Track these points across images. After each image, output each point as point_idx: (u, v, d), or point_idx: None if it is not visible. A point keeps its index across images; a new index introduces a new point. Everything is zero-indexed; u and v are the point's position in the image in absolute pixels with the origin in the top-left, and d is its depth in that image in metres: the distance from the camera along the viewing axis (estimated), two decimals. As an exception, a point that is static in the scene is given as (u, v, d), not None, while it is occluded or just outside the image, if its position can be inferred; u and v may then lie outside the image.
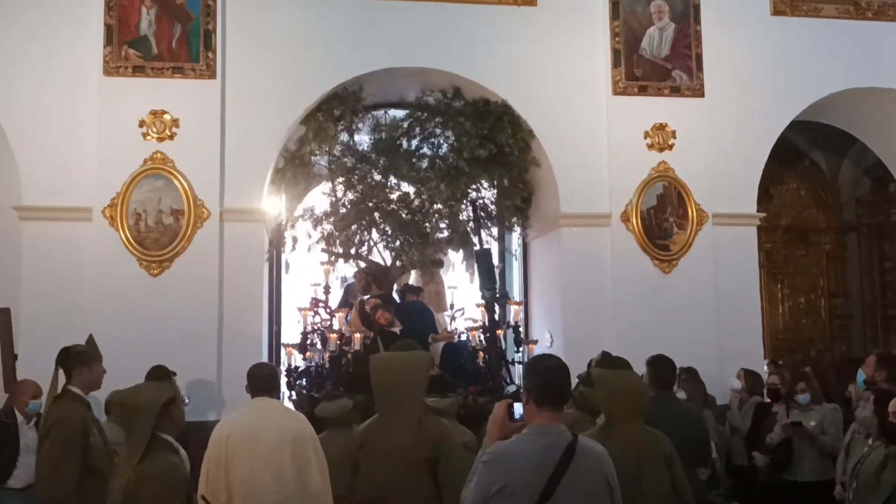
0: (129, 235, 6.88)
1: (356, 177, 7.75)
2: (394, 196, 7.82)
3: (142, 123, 7.01)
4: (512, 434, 2.98)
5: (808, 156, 10.08)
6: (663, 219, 7.74)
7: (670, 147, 7.80)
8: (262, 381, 4.33)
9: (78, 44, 7.06)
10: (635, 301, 7.58)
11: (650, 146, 7.79)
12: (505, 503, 2.81)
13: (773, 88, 8.11)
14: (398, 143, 7.94)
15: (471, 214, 8.02)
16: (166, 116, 7.04)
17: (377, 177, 7.82)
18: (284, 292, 8.49)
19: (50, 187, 6.94)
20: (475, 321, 8.11)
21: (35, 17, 7.05)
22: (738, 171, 8.03)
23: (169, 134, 7.03)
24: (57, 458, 3.87)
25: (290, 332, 8.37)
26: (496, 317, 7.66)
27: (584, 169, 7.78)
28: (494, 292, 7.63)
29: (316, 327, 7.97)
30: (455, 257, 9.06)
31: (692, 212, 7.76)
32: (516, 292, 9.25)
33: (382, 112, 8.78)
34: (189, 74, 7.11)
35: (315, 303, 8.08)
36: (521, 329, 8.12)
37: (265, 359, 7.47)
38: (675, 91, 7.86)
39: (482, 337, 7.69)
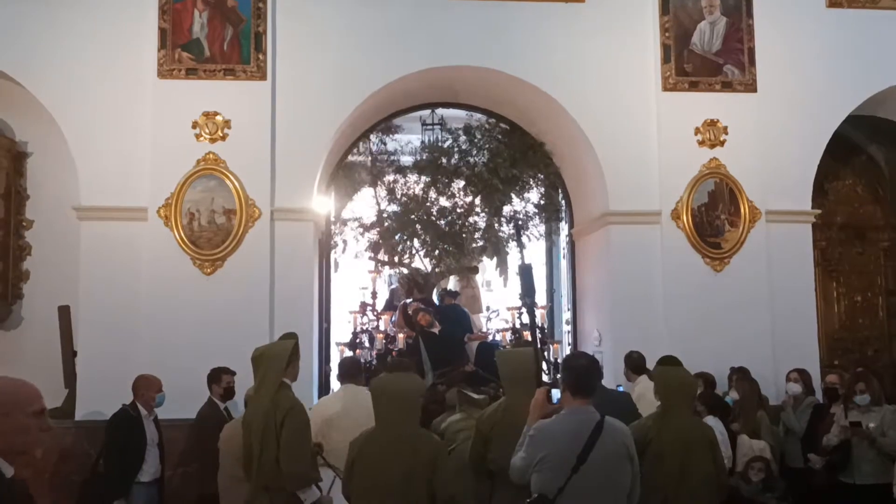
0: (182, 235, 7.02)
1: (399, 192, 8.54)
2: (434, 209, 8.47)
3: (195, 125, 7.14)
4: (551, 414, 3.60)
5: (865, 150, 9.79)
6: (715, 216, 7.63)
7: (722, 143, 7.68)
8: (346, 369, 5.47)
9: (133, 48, 7.22)
10: (686, 300, 7.50)
11: (701, 142, 7.68)
12: (547, 467, 3.41)
13: (829, 82, 7.93)
14: (439, 162, 8.38)
15: (505, 225, 8.80)
16: (218, 118, 7.16)
17: (418, 191, 8.43)
18: (333, 291, 8.64)
19: (107, 188, 7.12)
20: (507, 322, 8.71)
21: (91, 23, 7.22)
22: (792, 167, 7.87)
23: (221, 135, 7.15)
24: (300, 440, 4.27)
25: (339, 330, 8.67)
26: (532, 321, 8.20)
27: (634, 166, 7.70)
28: (533, 301, 8.09)
29: (364, 328, 8.69)
30: (490, 263, 10.18)
31: (744, 209, 7.64)
32: (564, 291, 9.28)
33: (429, 111, 8.84)
34: (240, 76, 7.22)
35: (363, 306, 8.82)
36: (546, 329, 8.90)
37: (315, 356, 7.57)
38: (727, 86, 7.73)
39: (512, 337, 8.57)
